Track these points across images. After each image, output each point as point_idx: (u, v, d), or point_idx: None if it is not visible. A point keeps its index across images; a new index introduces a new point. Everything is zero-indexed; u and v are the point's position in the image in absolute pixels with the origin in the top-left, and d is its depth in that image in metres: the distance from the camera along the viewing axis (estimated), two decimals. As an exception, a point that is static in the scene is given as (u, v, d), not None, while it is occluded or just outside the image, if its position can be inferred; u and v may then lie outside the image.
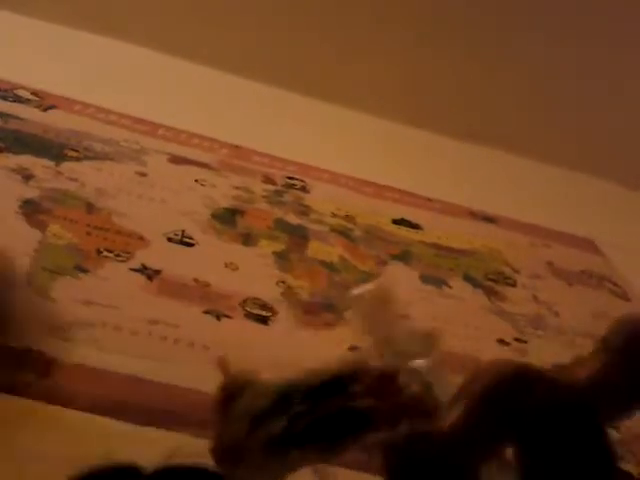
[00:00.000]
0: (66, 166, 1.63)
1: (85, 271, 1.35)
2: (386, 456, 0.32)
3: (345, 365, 0.25)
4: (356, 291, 0.36)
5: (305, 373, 0.26)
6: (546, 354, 1.45)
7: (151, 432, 1.08)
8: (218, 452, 0.27)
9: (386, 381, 0.27)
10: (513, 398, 0.31)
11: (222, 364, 0.27)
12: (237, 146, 1.93)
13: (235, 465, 0.25)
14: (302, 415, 0.24)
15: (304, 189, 1.85)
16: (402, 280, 1.63)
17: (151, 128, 1.89)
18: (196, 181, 1.74)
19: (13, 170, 1.54)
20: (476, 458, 0.31)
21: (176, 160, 1.80)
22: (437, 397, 0.30)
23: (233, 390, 0.28)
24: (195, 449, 0.65)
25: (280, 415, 0.24)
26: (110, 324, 1.25)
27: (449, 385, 0.32)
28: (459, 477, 0.32)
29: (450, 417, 0.31)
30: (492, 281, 1.73)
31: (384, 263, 1.67)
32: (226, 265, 1.48)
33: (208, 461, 0.64)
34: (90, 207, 1.52)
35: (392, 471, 0.32)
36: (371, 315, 0.36)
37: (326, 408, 0.25)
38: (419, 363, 0.31)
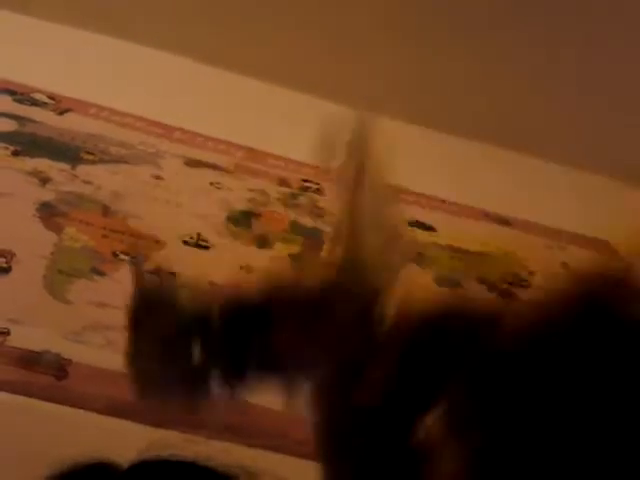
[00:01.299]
0: (82, 169, 1.63)
1: (101, 274, 1.35)
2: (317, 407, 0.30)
3: (269, 287, 0.23)
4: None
5: (219, 294, 0.24)
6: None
7: (165, 434, 1.09)
8: (135, 385, 0.25)
9: (315, 311, 0.25)
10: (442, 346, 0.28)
11: (135, 268, 0.24)
12: (252, 149, 1.94)
13: (150, 389, 0.23)
14: (222, 340, 0.23)
15: (319, 191, 1.85)
16: (416, 282, 1.64)
17: (167, 131, 1.90)
18: (211, 184, 1.75)
19: (30, 173, 1.55)
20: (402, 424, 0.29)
21: (192, 163, 1.80)
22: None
23: (145, 305, 0.25)
24: (172, 441, 0.65)
25: (195, 338, 0.22)
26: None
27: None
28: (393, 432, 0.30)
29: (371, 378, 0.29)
30: (507, 283, 1.73)
31: (399, 265, 1.67)
32: (241, 268, 1.49)
33: (187, 453, 0.64)
34: (106, 210, 1.53)
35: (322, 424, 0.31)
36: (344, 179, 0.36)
37: (245, 330, 0.24)
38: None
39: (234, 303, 0.24)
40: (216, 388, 0.23)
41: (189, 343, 0.21)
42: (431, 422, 0.29)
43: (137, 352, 0.23)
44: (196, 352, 0.21)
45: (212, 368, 0.22)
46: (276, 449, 1.14)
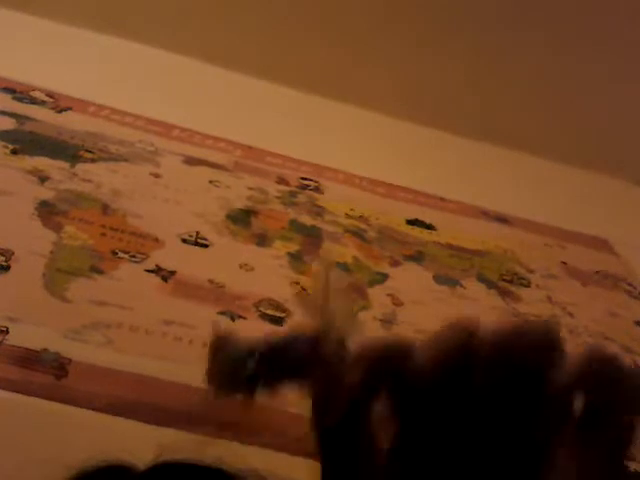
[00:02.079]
0: (81, 167, 1.63)
1: (100, 272, 1.35)
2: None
3: (289, 334, 0.39)
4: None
5: (265, 336, 0.41)
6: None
7: (166, 432, 1.09)
8: (209, 385, 0.42)
9: (314, 344, 0.40)
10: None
11: (215, 326, 0.41)
12: (251, 147, 1.94)
13: (222, 390, 0.39)
14: (263, 364, 0.39)
15: (318, 190, 1.85)
16: (416, 281, 1.64)
17: (165, 129, 1.90)
18: (210, 182, 1.75)
19: (29, 172, 1.55)
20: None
21: (190, 161, 1.81)
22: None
23: (218, 343, 0.41)
24: (186, 444, 0.65)
25: (249, 363, 0.38)
26: (125, 325, 1.25)
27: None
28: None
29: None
30: (506, 282, 1.73)
31: (398, 264, 1.67)
32: (240, 266, 1.49)
33: (199, 456, 0.65)
34: (105, 208, 1.53)
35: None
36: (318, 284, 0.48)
37: (277, 362, 0.40)
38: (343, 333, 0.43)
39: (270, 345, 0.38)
40: (263, 390, 0.37)
41: (246, 363, 0.35)
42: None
43: (214, 367, 0.38)
44: (250, 367, 0.35)
45: (260, 379, 0.37)
46: (275, 447, 1.14)
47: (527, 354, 0.39)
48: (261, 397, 0.41)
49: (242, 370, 0.41)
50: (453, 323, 0.44)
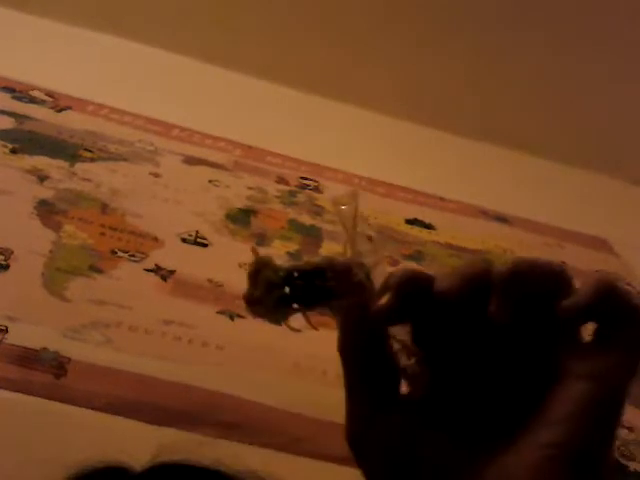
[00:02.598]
0: (80, 167, 1.63)
1: (99, 271, 1.35)
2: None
3: (323, 260, 0.42)
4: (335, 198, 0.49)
5: (302, 262, 0.43)
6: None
7: (165, 432, 1.09)
8: (247, 306, 0.44)
9: (345, 271, 0.42)
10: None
11: (254, 250, 0.43)
12: (250, 147, 1.94)
13: (257, 313, 0.41)
14: (298, 287, 0.40)
15: (317, 189, 1.85)
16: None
17: (165, 129, 1.90)
18: (210, 182, 1.75)
19: (28, 171, 1.55)
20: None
21: (190, 161, 1.81)
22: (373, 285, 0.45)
23: (258, 266, 0.43)
24: (185, 444, 0.66)
25: (285, 285, 0.40)
26: (124, 324, 1.26)
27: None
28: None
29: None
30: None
31: (397, 263, 1.67)
32: (240, 265, 1.49)
33: (198, 456, 0.65)
34: (104, 208, 1.53)
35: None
36: (344, 217, 0.50)
37: (311, 285, 0.41)
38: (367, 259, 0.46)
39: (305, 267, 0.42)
40: (296, 308, 0.40)
41: (283, 286, 0.38)
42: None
43: (252, 289, 0.41)
44: (286, 290, 0.38)
45: (295, 302, 0.40)
46: (274, 447, 1.14)
47: (539, 280, 0.42)
48: (295, 320, 0.45)
49: (279, 293, 0.44)
50: (471, 258, 0.49)
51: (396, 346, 0.46)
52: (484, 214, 2.02)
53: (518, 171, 2.28)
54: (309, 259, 0.45)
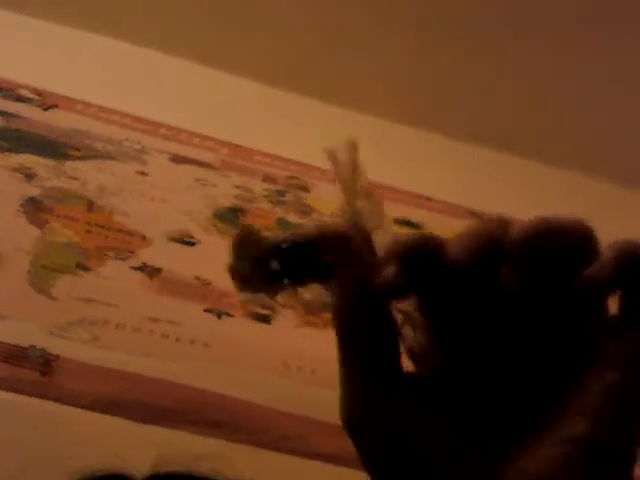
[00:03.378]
0: (68, 165, 1.63)
1: (86, 269, 1.35)
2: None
3: (316, 229, 0.38)
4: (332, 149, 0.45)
5: (289, 233, 0.40)
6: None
7: (152, 430, 1.09)
8: (233, 282, 0.42)
9: (341, 242, 0.39)
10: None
11: (242, 226, 0.40)
12: (238, 145, 1.93)
13: (245, 288, 0.38)
14: (289, 261, 0.37)
15: (305, 188, 1.85)
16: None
17: (152, 127, 1.89)
18: (197, 180, 1.74)
19: (15, 169, 1.55)
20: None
21: (177, 159, 1.80)
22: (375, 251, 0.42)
23: (242, 237, 0.40)
24: (186, 448, 0.65)
25: (274, 259, 0.37)
26: (111, 322, 1.25)
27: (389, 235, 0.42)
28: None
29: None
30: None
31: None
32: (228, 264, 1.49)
33: (200, 463, 0.64)
34: (91, 206, 1.52)
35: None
36: (341, 169, 0.46)
37: (304, 258, 0.38)
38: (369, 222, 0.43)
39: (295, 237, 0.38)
40: (286, 284, 0.37)
41: (270, 261, 0.35)
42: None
43: (237, 264, 0.38)
44: (274, 265, 0.35)
45: (285, 277, 0.36)
46: (261, 445, 1.14)
47: (560, 245, 0.37)
48: (285, 295, 0.42)
49: (266, 268, 0.41)
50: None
51: (399, 318, 0.41)
52: (472, 215, 2.02)
53: (506, 172, 2.29)
54: (299, 229, 0.41)
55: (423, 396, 0.40)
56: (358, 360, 0.41)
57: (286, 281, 0.42)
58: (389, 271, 0.39)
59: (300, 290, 0.43)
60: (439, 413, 0.40)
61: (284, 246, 0.42)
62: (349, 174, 0.47)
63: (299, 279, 0.42)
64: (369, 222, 0.42)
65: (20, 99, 1.82)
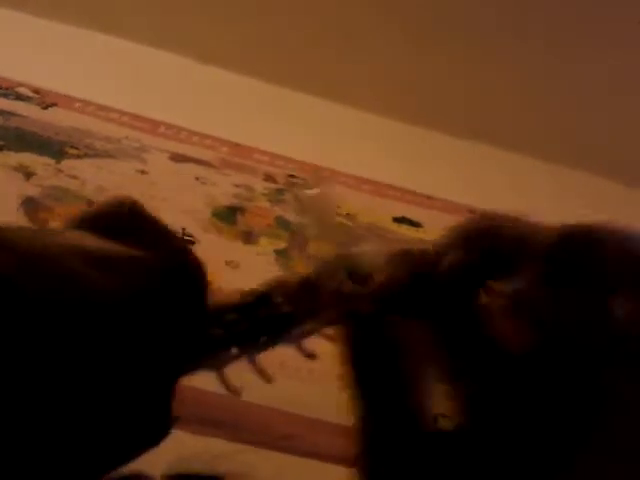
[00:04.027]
0: (67, 164, 1.63)
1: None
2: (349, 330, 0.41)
3: (267, 285, 0.36)
4: (307, 193, 0.45)
5: (239, 295, 0.38)
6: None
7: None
8: None
9: (304, 287, 0.37)
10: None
11: None
12: (238, 144, 1.93)
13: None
14: (235, 323, 0.35)
15: (305, 187, 1.84)
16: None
17: (152, 126, 1.89)
18: (197, 179, 1.74)
19: (14, 168, 1.55)
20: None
21: (177, 158, 1.80)
22: (365, 270, 0.40)
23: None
24: (186, 448, 0.65)
25: (217, 326, 0.36)
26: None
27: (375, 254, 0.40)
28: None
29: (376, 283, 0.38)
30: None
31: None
32: (227, 263, 1.49)
33: (213, 465, 0.65)
34: (90, 205, 1.52)
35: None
36: (317, 213, 0.45)
37: (254, 317, 0.36)
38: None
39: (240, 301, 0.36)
40: (235, 353, 0.35)
41: (212, 328, 0.33)
42: None
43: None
44: (218, 333, 0.33)
45: (231, 342, 0.34)
46: (261, 444, 1.14)
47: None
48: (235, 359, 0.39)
49: (207, 337, 0.38)
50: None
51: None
52: (471, 212, 2.02)
53: (506, 171, 2.28)
54: (256, 287, 0.38)
55: (449, 448, 0.39)
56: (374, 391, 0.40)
57: (234, 349, 0.38)
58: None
59: (255, 354, 0.40)
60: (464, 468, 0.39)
61: (232, 308, 0.39)
62: (322, 211, 0.47)
63: (251, 341, 0.39)
64: (352, 250, 0.41)
65: (19, 98, 1.82)
